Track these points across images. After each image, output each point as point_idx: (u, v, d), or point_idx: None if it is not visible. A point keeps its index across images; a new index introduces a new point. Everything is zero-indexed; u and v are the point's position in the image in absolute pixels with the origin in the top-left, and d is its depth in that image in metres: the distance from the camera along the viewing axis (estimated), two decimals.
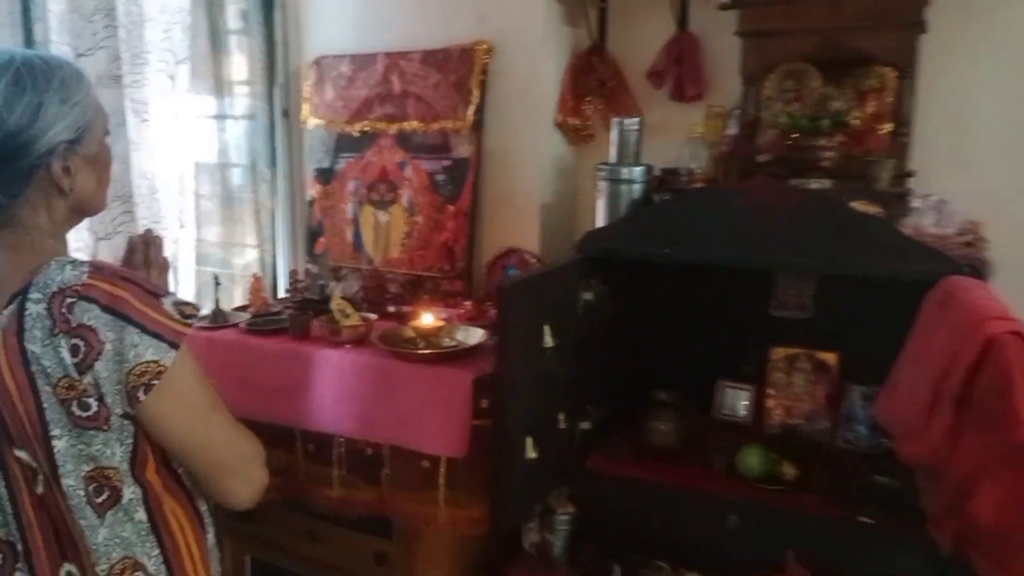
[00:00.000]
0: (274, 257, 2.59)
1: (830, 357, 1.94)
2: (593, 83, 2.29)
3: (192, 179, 2.32)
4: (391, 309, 2.26)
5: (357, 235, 2.49)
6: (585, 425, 1.92)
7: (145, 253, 1.30)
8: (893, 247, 1.55)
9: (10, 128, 1.02)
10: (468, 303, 2.22)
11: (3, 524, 1.07)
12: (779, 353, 2.02)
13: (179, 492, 1.16)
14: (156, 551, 1.12)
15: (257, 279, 2.30)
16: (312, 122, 2.57)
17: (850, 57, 1.89)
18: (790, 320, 2.00)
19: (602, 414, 1.99)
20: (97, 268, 1.04)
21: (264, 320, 2.15)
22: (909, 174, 1.83)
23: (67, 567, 1.08)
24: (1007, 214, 1.85)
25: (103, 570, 1.08)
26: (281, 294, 2.53)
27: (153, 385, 1.03)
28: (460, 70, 2.30)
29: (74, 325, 0.99)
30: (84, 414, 1.03)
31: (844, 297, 1.88)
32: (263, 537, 2.15)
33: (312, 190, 2.59)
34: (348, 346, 1.95)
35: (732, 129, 2.05)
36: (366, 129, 2.46)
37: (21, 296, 1.01)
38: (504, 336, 1.61)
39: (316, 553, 2.05)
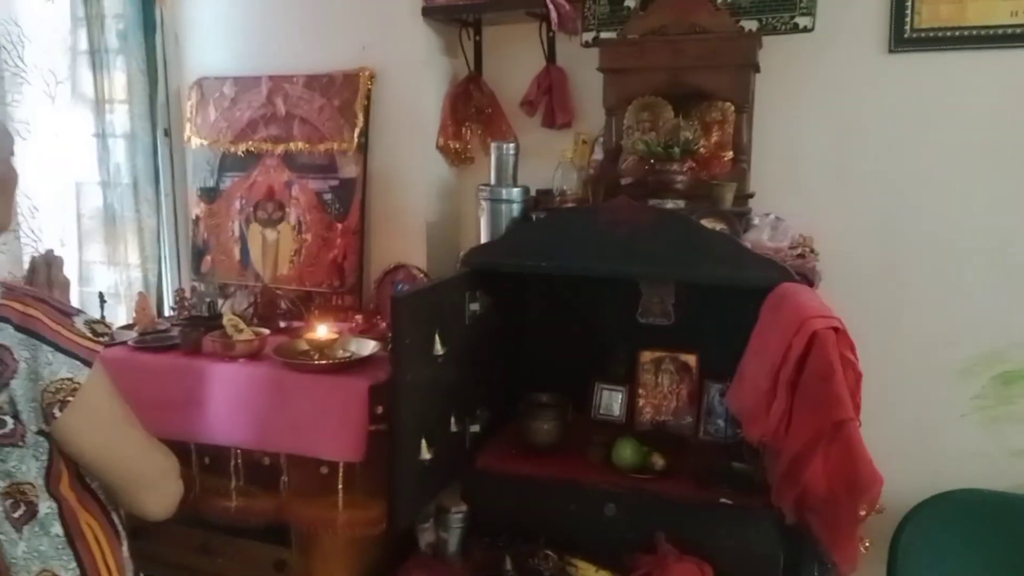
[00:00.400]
0: (159, 276, 2.58)
1: (691, 358, 2.15)
2: (471, 110, 2.45)
3: (74, 198, 2.30)
4: (282, 324, 2.33)
5: (244, 252, 2.54)
6: (475, 427, 2.04)
7: (47, 273, 1.35)
8: (736, 258, 1.78)
9: None
10: (359, 317, 2.32)
11: None
12: (647, 356, 2.22)
13: (94, 505, 1.20)
14: (73, 564, 1.16)
15: (143, 297, 2.30)
16: (195, 142, 2.60)
17: (694, 92, 2.11)
18: (655, 326, 2.20)
19: (489, 416, 2.12)
20: (9, 288, 1.09)
21: (152, 337, 2.17)
22: (749, 195, 2.09)
23: None
24: (831, 229, 2.15)
25: None
26: (167, 312, 2.53)
27: (68, 402, 1.08)
28: (344, 94, 2.40)
29: None
30: (0, 431, 1.07)
31: (700, 304, 2.11)
32: (154, 554, 2.13)
33: (197, 209, 2.61)
34: (242, 360, 2.01)
35: (598, 154, 2.25)
36: (251, 149, 2.52)
37: None
38: (398, 344, 1.72)
39: (213, 567, 2.08)
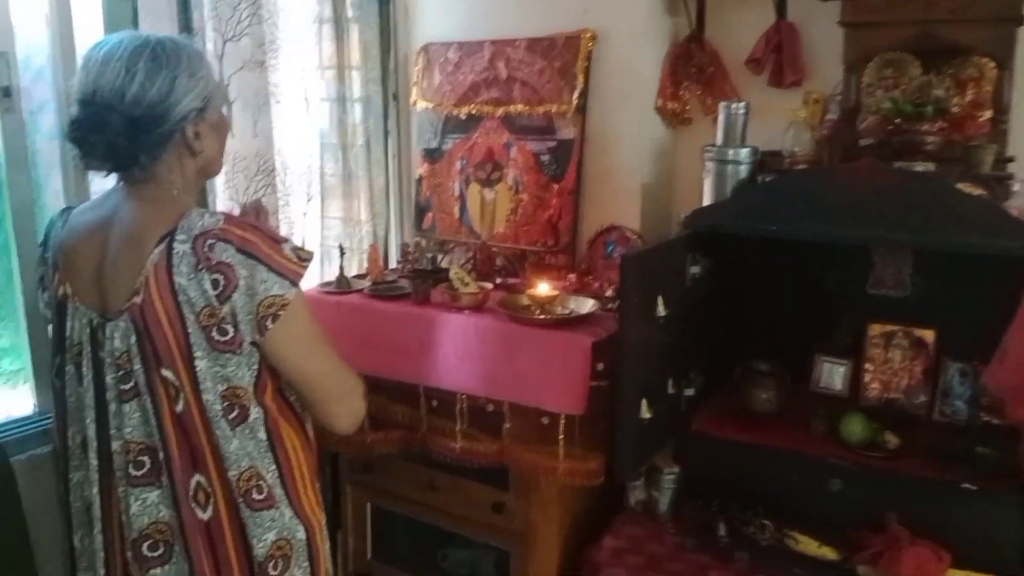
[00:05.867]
0: (386, 231, 2.76)
1: (927, 334, 2.01)
2: (691, 70, 2.40)
3: (318, 157, 2.50)
4: (498, 280, 2.42)
5: (463, 211, 2.65)
6: (689, 391, 2.04)
7: (256, 217, 1.50)
8: (997, 226, 1.64)
9: (152, 99, 1.20)
10: (572, 275, 2.36)
11: (149, 434, 1.24)
12: (876, 329, 2.09)
13: (291, 417, 1.34)
14: (273, 466, 1.30)
15: (374, 249, 2.47)
16: (421, 105, 2.73)
17: (947, 47, 1.95)
18: (887, 297, 2.07)
19: (703, 380, 2.11)
20: (229, 217, 1.23)
21: (385, 287, 2.32)
22: (1010, 159, 1.91)
23: (197, 477, 1.25)
24: None
25: (234, 476, 1.26)
26: (392, 264, 2.70)
27: (279, 316, 1.20)
28: (565, 57, 2.43)
29: (214, 262, 1.17)
30: (222, 339, 1.20)
31: (942, 276, 1.96)
32: (384, 487, 2.32)
33: (420, 169, 2.75)
34: (467, 311, 2.11)
35: (831, 114, 2.14)
36: (472, 112, 2.61)
37: (169, 238, 1.19)
38: (625, 303, 1.74)
39: (436, 502, 2.22)
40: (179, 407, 1.23)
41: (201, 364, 1.21)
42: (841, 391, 2.14)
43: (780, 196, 1.91)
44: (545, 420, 1.97)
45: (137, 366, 1.22)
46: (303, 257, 1.26)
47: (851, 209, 1.77)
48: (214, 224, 1.20)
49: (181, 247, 1.18)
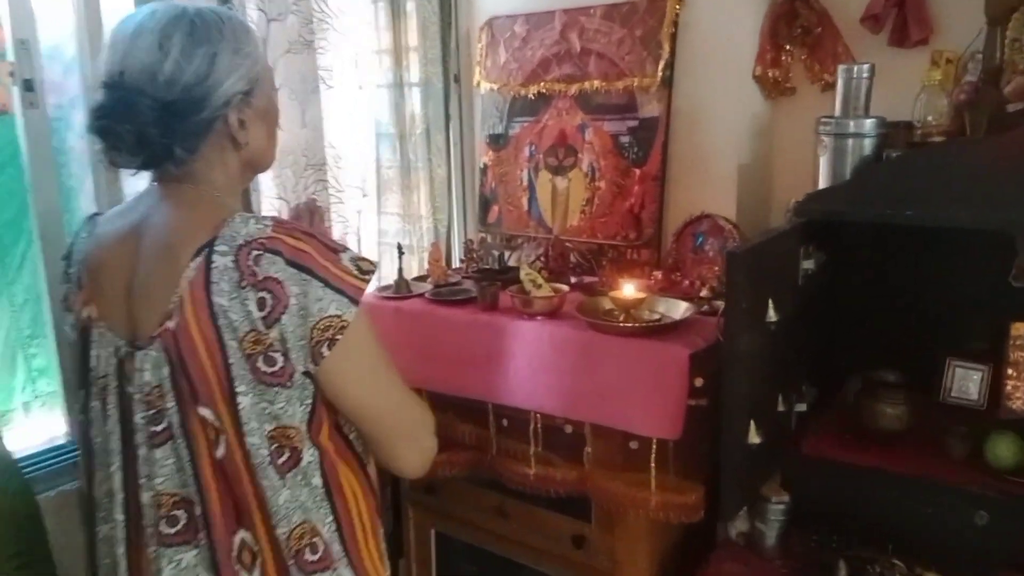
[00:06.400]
0: (448, 227, 2.53)
1: None
2: (796, 31, 2.08)
3: (374, 148, 2.29)
4: (573, 280, 2.17)
5: (532, 202, 2.40)
6: (801, 407, 1.77)
7: (310, 220, 1.31)
8: None
9: (188, 80, 1.02)
10: (657, 273, 2.09)
11: (183, 484, 1.05)
12: (1021, 329, 1.79)
13: (351, 458, 1.14)
14: (330, 518, 1.10)
15: (436, 248, 2.24)
16: (484, 86, 2.48)
17: None
18: None
19: (816, 394, 1.83)
20: (279, 223, 1.02)
21: (448, 290, 2.10)
22: None
23: (242, 534, 1.06)
24: None
25: (283, 533, 1.06)
26: (455, 264, 2.47)
27: (336, 340, 1.01)
28: (648, 22, 2.14)
29: (261, 278, 0.98)
30: (270, 369, 1.01)
31: None
32: (448, 511, 2.11)
33: (484, 157, 2.51)
34: (540, 318, 1.86)
35: (969, 76, 1.80)
36: (542, 91, 2.35)
37: (208, 249, 1.00)
38: (733, 308, 1.47)
39: (506, 531, 2.00)
40: (220, 452, 1.03)
41: (245, 400, 1.02)
42: (978, 402, 1.86)
43: (914, 175, 1.61)
44: (634, 444, 1.71)
45: (171, 404, 1.03)
46: (364, 269, 1.05)
47: (1002, 189, 1.47)
48: (261, 231, 1.00)
49: (222, 260, 0.99)
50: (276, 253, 0.99)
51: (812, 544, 1.76)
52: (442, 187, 2.49)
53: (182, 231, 1.03)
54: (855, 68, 1.70)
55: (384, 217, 2.36)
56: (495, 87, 2.45)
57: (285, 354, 1.00)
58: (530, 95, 2.37)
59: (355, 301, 1.02)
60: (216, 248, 0.99)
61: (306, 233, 1.04)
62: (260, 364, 1.00)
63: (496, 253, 2.33)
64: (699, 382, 1.63)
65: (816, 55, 2.08)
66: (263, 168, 1.21)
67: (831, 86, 2.00)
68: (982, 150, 1.63)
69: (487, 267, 2.30)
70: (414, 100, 2.38)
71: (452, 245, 2.56)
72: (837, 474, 1.71)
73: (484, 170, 2.51)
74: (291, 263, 0.99)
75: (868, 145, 1.70)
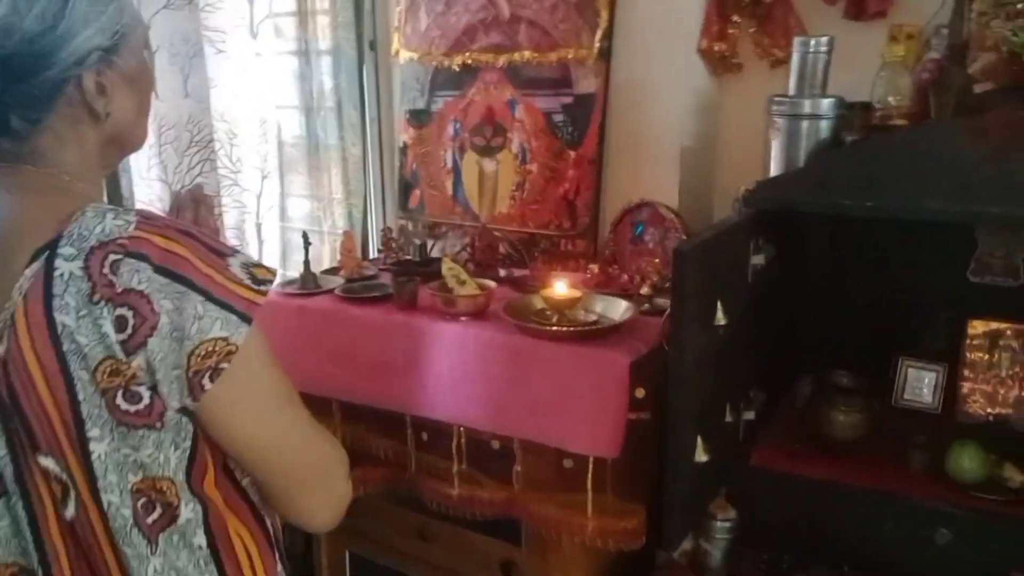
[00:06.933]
0: (364, 212, 2.30)
1: None
2: (744, 2, 1.92)
3: (275, 124, 2.03)
4: (502, 273, 1.97)
5: (458, 187, 2.18)
6: (749, 414, 1.63)
7: (195, 213, 1.07)
8: None
9: (28, 29, 0.81)
10: (593, 267, 1.92)
11: (22, 552, 0.85)
12: (979, 327, 1.68)
13: (245, 509, 0.93)
14: None
15: (348, 236, 2.01)
16: (404, 55, 2.24)
17: None
18: (993, 288, 1.68)
19: (764, 399, 1.69)
20: (146, 218, 0.81)
21: (361, 285, 1.88)
22: None
23: None
24: None
25: None
26: (372, 254, 2.25)
27: (222, 369, 0.81)
28: None
29: (119, 290, 0.78)
30: (132, 408, 0.81)
31: None
32: (364, 531, 1.91)
33: (404, 135, 2.27)
34: (464, 318, 1.66)
35: (929, 52, 1.67)
36: (467, 62, 2.13)
37: (48, 251, 0.79)
38: (680, 313, 1.30)
39: (429, 554, 1.82)
40: (68, 512, 0.83)
41: (99, 447, 0.81)
42: (931, 404, 1.75)
43: (876, 162, 1.47)
44: (568, 463, 1.54)
45: (2, 452, 0.83)
46: (260, 279, 0.84)
47: (970, 178, 1.34)
48: (120, 229, 0.80)
49: (67, 266, 0.79)
50: (141, 258, 0.78)
51: (762, 564, 1.65)
52: (357, 168, 2.25)
53: (15, 227, 0.82)
54: (812, 41, 1.54)
55: (291, 200, 2.12)
56: (415, 56, 2.22)
57: (153, 388, 0.80)
58: (455, 66, 2.15)
59: (247, 319, 0.82)
60: (59, 251, 0.79)
61: (182, 232, 0.82)
62: (119, 401, 0.80)
63: (418, 242, 2.12)
64: (640, 393, 1.46)
65: (766, 28, 1.91)
66: (132, 147, 0.98)
67: (781, 62, 1.86)
68: (950, 134, 1.49)
69: (407, 258, 2.09)
70: (323, 69, 2.13)
71: (368, 233, 2.33)
72: (788, 487, 1.59)
73: (404, 150, 2.28)
74: (161, 271, 0.79)
75: (825, 128, 1.55)
